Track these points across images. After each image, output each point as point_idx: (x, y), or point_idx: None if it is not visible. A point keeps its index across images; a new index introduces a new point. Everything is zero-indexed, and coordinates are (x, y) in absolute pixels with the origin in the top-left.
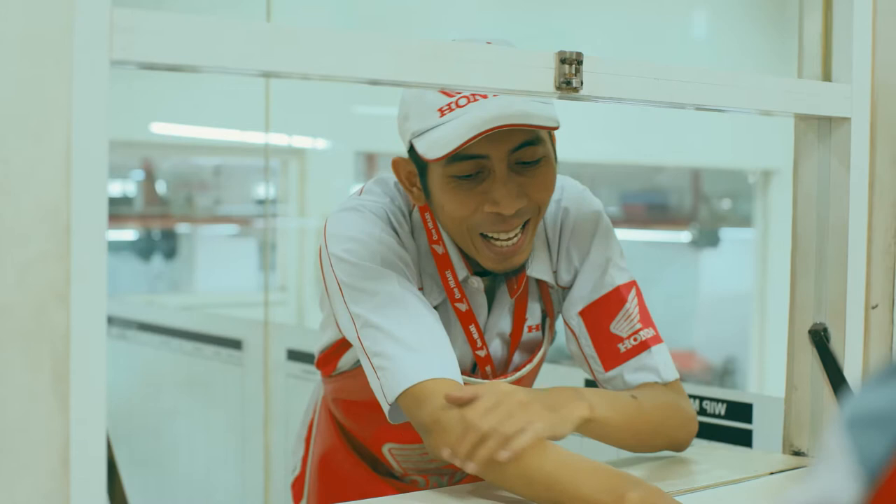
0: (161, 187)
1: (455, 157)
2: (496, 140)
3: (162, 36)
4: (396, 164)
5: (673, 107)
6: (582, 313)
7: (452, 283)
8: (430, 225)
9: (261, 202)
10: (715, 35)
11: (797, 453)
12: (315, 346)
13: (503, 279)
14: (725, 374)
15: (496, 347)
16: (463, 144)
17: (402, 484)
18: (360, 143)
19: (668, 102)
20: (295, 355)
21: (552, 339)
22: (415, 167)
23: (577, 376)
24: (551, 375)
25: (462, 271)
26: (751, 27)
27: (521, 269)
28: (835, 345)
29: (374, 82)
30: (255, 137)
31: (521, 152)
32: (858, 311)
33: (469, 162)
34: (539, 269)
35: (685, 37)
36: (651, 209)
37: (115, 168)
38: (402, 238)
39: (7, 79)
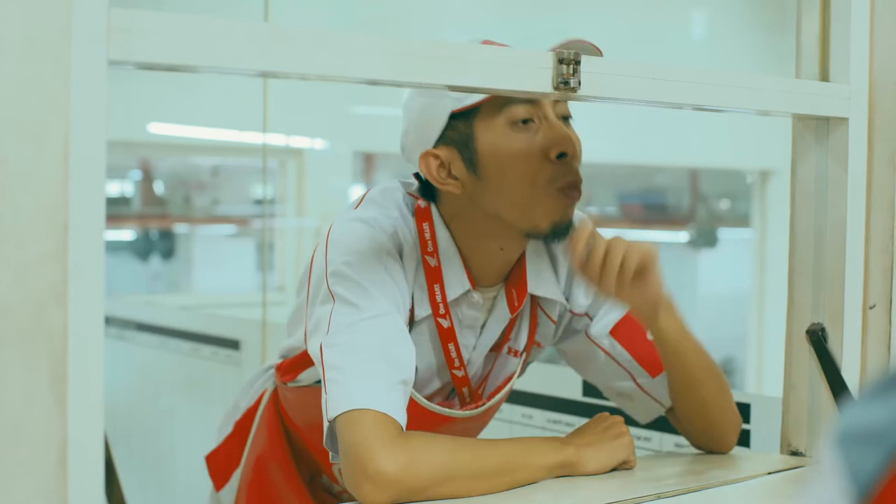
0: (159, 187)
1: (509, 100)
2: None
3: (159, 36)
4: (426, 157)
5: (671, 107)
6: (614, 332)
7: (438, 298)
8: (427, 236)
9: (259, 202)
10: (713, 35)
11: (795, 453)
12: (280, 346)
13: (503, 296)
14: (723, 373)
15: (484, 365)
16: None
17: (336, 502)
18: (359, 143)
19: (666, 102)
20: None
21: (522, 373)
22: (451, 150)
23: (575, 377)
24: (549, 374)
25: (460, 286)
26: (748, 27)
27: (522, 280)
28: (832, 345)
29: (372, 82)
30: (253, 137)
31: (561, 105)
32: (856, 312)
33: (523, 105)
34: (545, 288)
35: (683, 37)
36: (649, 209)
37: (112, 168)
38: (406, 252)
39: (5, 79)
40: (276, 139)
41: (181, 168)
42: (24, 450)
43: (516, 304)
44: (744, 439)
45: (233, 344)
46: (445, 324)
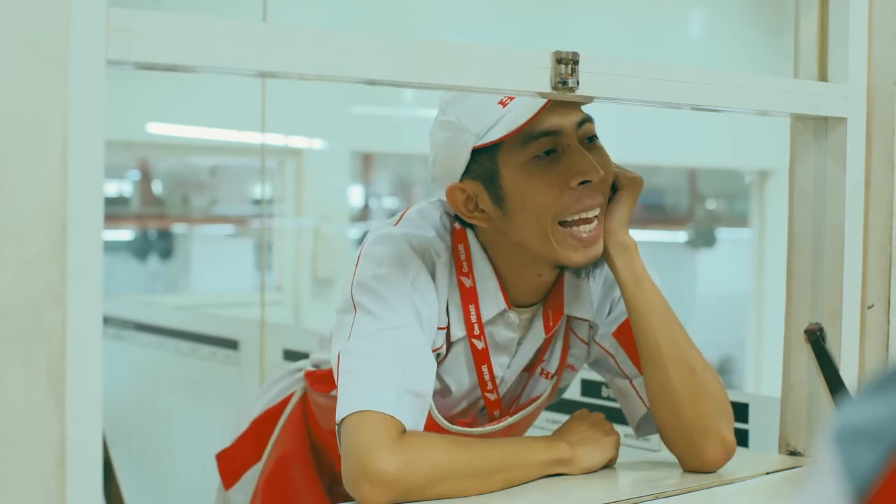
0: (157, 187)
1: (530, 136)
2: (564, 113)
3: (158, 36)
4: (452, 191)
5: (669, 107)
6: (616, 334)
7: (473, 318)
8: (463, 256)
9: (257, 202)
10: (711, 35)
11: (793, 453)
12: (317, 354)
13: (540, 316)
14: (722, 373)
15: (516, 385)
16: (548, 103)
17: None
18: (357, 143)
19: (665, 102)
20: (291, 355)
21: (552, 397)
22: (477, 184)
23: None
24: None
25: (495, 306)
26: (747, 27)
27: (559, 302)
28: (831, 345)
29: (371, 82)
30: (252, 137)
31: (585, 127)
32: (854, 311)
33: (545, 139)
34: (580, 309)
35: (682, 37)
36: (647, 209)
37: (111, 168)
38: (439, 271)
39: (4, 79)
40: (274, 139)
41: (180, 168)
42: (22, 450)
43: (552, 324)
44: (742, 439)
45: (231, 344)
46: (480, 345)
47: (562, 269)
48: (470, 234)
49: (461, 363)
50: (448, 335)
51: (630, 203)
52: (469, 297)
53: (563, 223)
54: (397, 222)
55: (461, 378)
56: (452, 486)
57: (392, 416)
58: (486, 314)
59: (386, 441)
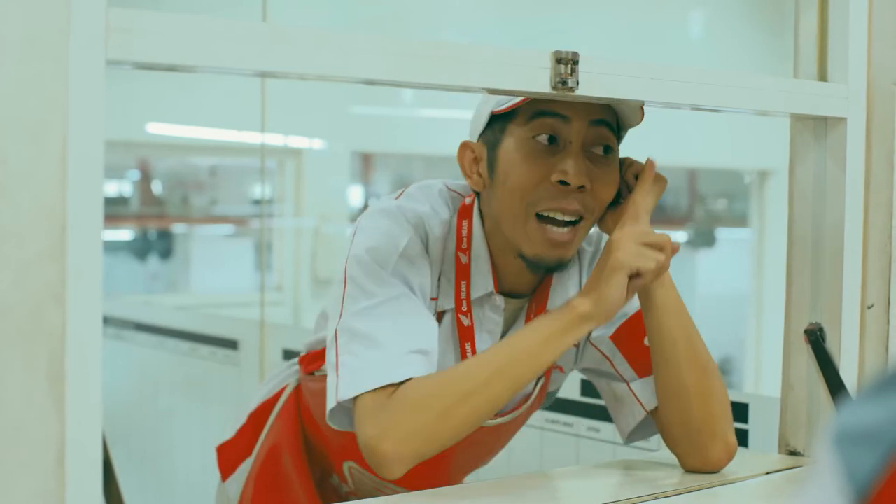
0: (157, 187)
1: (539, 111)
2: (584, 106)
3: (158, 36)
4: (464, 147)
5: (669, 107)
6: (613, 337)
7: (463, 295)
8: (465, 232)
9: (257, 202)
10: (711, 35)
11: (793, 453)
12: (306, 340)
13: (525, 310)
14: (722, 373)
15: None
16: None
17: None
18: (357, 143)
19: (665, 102)
20: (291, 355)
21: (541, 399)
22: (483, 148)
23: (572, 377)
24: None
25: (485, 286)
26: (747, 27)
27: (544, 297)
28: (831, 345)
29: (371, 82)
30: (252, 137)
31: (600, 131)
32: (854, 311)
33: (551, 119)
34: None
35: (682, 37)
36: None
37: (111, 168)
38: (431, 243)
39: (5, 79)
40: (274, 139)
41: (179, 168)
42: (22, 450)
43: (532, 316)
44: (742, 439)
45: (231, 344)
46: (466, 322)
47: (522, 259)
48: (475, 213)
49: (446, 338)
50: (437, 307)
51: (653, 195)
52: (463, 273)
53: (539, 216)
54: (398, 197)
55: (445, 355)
56: (459, 413)
57: (379, 388)
58: (474, 293)
59: (373, 413)
